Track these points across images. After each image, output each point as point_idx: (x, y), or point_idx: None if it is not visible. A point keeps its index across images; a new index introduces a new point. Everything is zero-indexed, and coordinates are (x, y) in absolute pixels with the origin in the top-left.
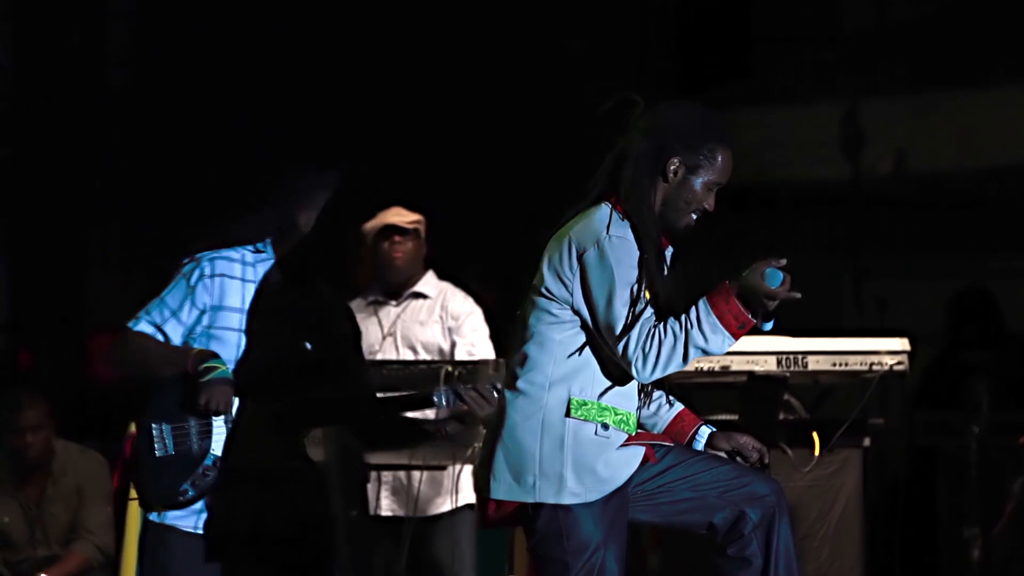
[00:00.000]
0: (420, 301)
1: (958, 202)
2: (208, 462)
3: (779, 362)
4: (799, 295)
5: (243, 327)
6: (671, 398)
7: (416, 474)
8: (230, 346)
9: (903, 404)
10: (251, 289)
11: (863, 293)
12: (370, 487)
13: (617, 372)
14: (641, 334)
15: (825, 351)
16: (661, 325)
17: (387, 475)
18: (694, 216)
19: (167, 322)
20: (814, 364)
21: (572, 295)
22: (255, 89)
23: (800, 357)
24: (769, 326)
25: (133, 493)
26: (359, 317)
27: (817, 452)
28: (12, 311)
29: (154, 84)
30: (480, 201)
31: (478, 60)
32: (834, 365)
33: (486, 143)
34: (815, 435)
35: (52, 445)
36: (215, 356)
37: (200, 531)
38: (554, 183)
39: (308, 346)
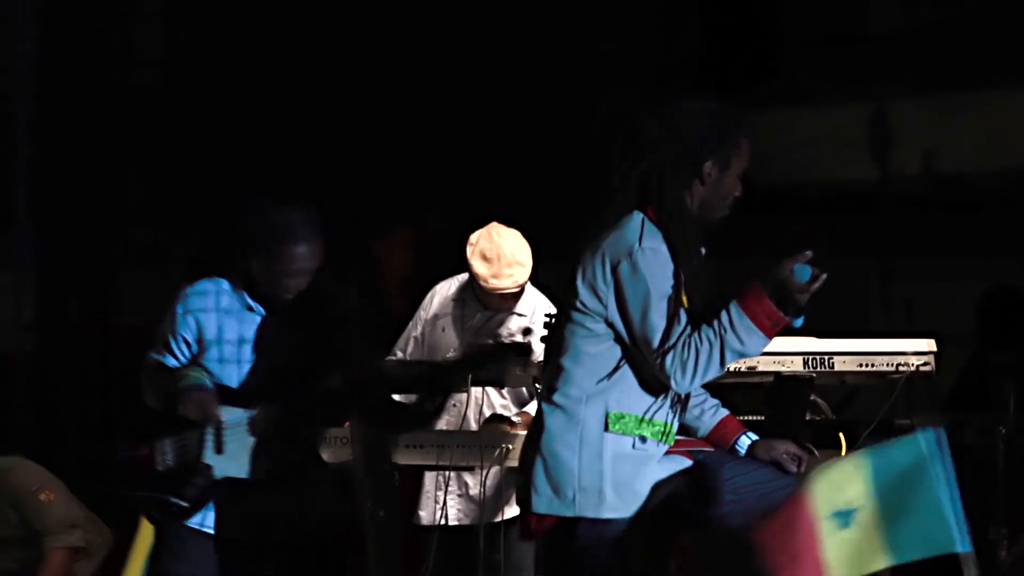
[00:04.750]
0: (512, 318)
1: (986, 203)
2: (198, 471)
3: (806, 363)
4: (825, 276)
5: (222, 357)
6: (716, 403)
7: (476, 482)
8: (215, 376)
9: (930, 405)
10: (227, 319)
11: (890, 294)
12: (428, 497)
13: (653, 383)
14: (678, 345)
15: (852, 352)
16: (696, 334)
17: (452, 484)
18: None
19: (165, 357)
20: (841, 365)
21: (607, 308)
22: (283, 90)
23: (827, 358)
24: (799, 322)
25: None
26: (443, 316)
27: (844, 453)
28: (39, 311)
29: (182, 85)
30: (507, 206)
31: (505, 63)
32: (861, 366)
33: (515, 147)
34: (842, 436)
35: None
36: (194, 366)
37: (205, 528)
38: (585, 187)
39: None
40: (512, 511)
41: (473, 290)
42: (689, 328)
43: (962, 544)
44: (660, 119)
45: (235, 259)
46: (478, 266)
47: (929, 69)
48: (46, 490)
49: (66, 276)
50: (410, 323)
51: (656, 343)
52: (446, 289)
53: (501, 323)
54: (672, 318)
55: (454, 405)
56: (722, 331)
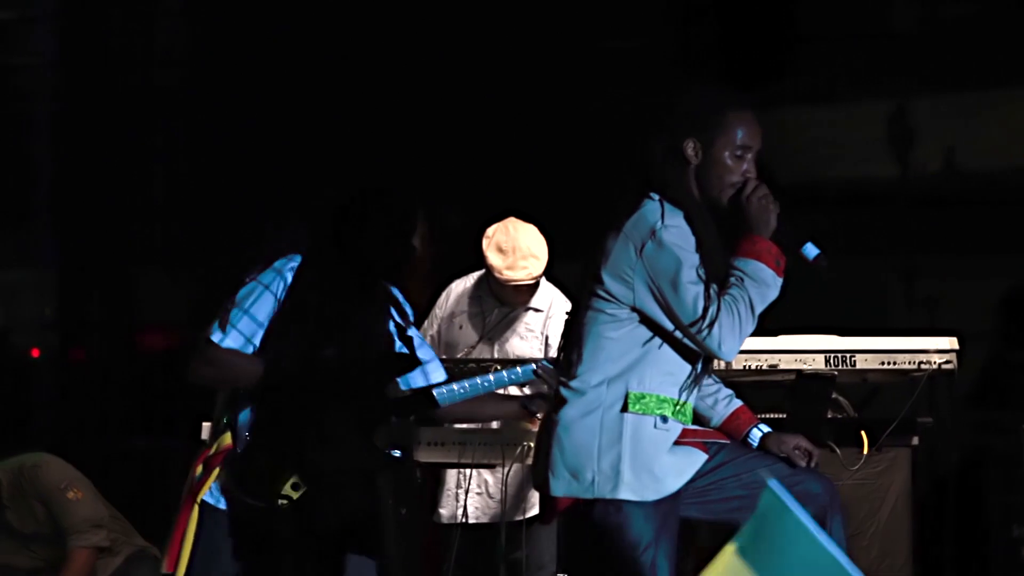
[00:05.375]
0: (529, 313)
1: (1007, 200)
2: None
3: (827, 360)
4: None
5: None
6: (730, 393)
7: (495, 480)
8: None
9: (952, 403)
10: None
11: (911, 292)
12: (449, 495)
13: (672, 364)
14: (712, 314)
15: (873, 350)
16: (721, 299)
17: (471, 482)
18: (737, 188)
19: (256, 334)
20: (862, 363)
21: (634, 292)
22: (302, 88)
23: (848, 356)
24: (813, 252)
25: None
26: (460, 313)
27: (865, 451)
28: (62, 309)
29: (203, 83)
30: (522, 203)
31: (519, 62)
32: (882, 364)
33: (529, 145)
34: (863, 434)
35: None
36: None
37: None
38: (600, 184)
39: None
40: (533, 509)
41: (489, 285)
42: (717, 299)
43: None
44: (658, 107)
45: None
46: (493, 258)
47: (950, 66)
48: (73, 488)
49: (87, 274)
50: (425, 322)
51: (698, 312)
52: (462, 287)
53: (518, 318)
54: (707, 286)
55: None
56: (739, 285)
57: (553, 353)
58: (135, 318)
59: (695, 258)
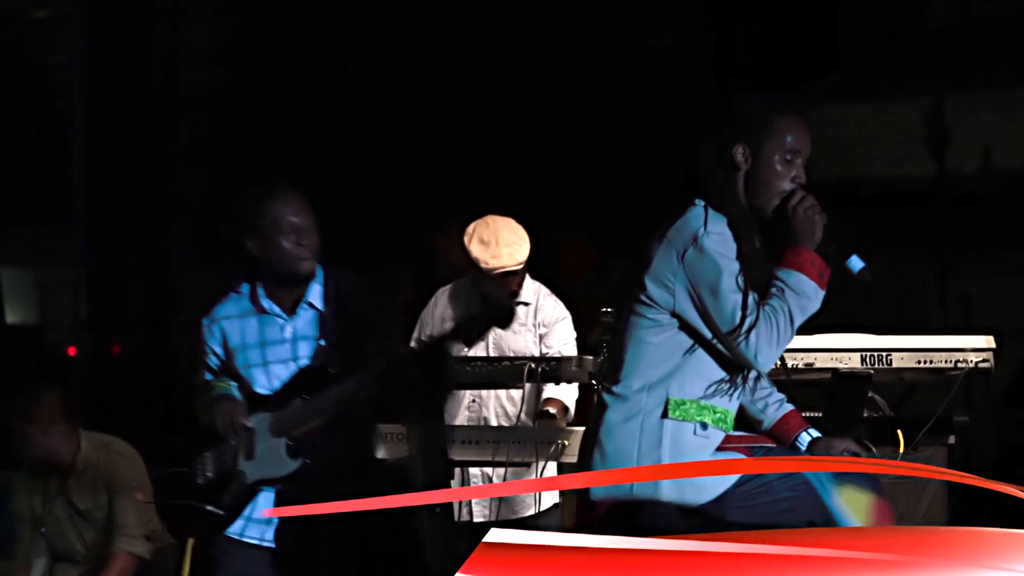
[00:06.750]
0: (518, 308)
1: None
2: (231, 477)
3: (863, 359)
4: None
5: (247, 362)
6: (782, 398)
7: (498, 478)
8: (241, 380)
9: (989, 401)
10: (246, 323)
11: (948, 290)
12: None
13: (714, 371)
14: (750, 324)
15: (910, 348)
16: (760, 310)
17: (475, 480)
18: (784, 197)
19: (206, 373)
20: (898, 361)
21: (675, 298)
22: (334, 86)
23: (884, 354)
24: (858, 265)
25: None
26: (450, 318)
27: (902, 450)
28: (95, 309)
29: (230, 83)
30: (565, 200)
31: (561, 57)
32: (919, 362)
33: (573, 142)
34: (899, 433)
35: (72, 441)
36: (221, 377)
37: (246, 539)
38: (644, 182)
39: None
40: (530, 509)
41: (475, 284)
42: (756, 309)
43: None
44: (707, 113)
45: (246, 267)
46: (477, 250)
47: (986, 65)
48: (143, 491)
49: (122, 272)
50: (416, 328)
51: (736, 320)
52: (450, 292)
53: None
54: (745, 295)
55: (473, 401)
56: (779, 296)
57: (547, 344)
58: (170, 317)
59: (736, 266)
